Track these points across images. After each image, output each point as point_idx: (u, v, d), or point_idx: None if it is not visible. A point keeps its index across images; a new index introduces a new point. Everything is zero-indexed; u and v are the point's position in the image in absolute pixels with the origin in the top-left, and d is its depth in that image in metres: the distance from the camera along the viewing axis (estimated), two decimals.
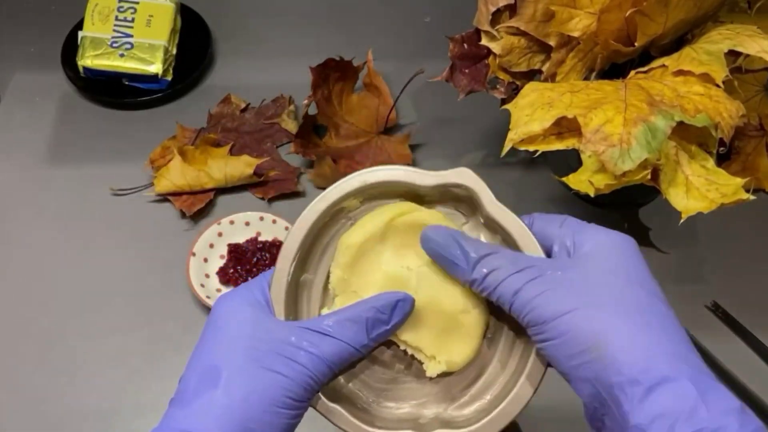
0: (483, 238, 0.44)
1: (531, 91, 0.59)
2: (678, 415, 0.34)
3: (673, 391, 0.34)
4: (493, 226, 0.43)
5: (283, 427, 0.38)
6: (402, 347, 0.43)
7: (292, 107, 0.85)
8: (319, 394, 0.41)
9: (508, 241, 0.42)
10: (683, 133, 0.56)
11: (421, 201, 0.44)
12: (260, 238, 0.73)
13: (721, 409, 0.34)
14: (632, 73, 0.60)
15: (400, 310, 0.41)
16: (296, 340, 0.39)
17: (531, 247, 0.41)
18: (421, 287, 0.42)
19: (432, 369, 0.43)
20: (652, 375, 0.35)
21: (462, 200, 0.44)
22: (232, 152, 0.80)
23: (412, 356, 0.44)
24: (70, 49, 0.87)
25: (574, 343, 0.36)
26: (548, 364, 0.40)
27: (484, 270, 0.39)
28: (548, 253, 0.42)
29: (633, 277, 0.39)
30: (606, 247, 0.40)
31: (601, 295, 0.37)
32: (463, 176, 0.43)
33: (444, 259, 0.40)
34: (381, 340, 0.41)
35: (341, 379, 0.44)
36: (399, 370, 0.45)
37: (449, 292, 0.42)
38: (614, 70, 0.64)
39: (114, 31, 0.86)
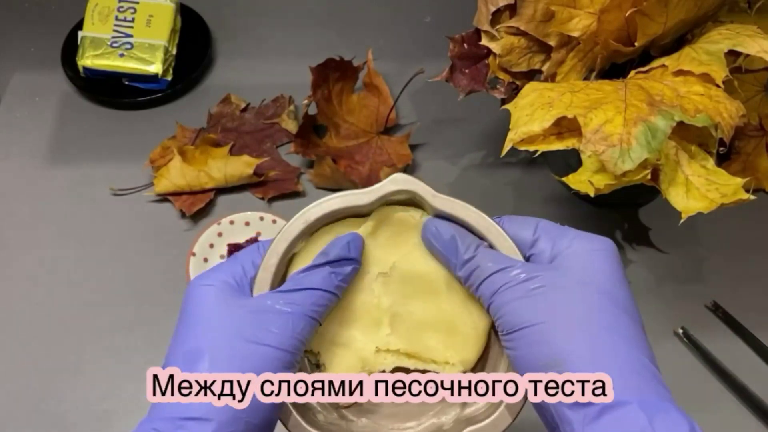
0: None
1: (531, 91, 0.59)
2: None
3: (622, 416, 0.34)
4: (444, 219, 0.44)
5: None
6: (411, 367, 0.44)
7: (292, 107, 0.85)
8: None
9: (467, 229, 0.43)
10: (683, 133, 0.56)
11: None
12: (260, 238, 0.73)
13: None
14: (632, 73, 0.60)
15: (355, 246, 0.42)
16: (272, 303, 0.39)
17: (486, 227, 0.42)
18: (403, 291, 0.43)
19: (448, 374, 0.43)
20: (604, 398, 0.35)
21: (408, 205, 0.44)
22: (232, 152, 0.80)
23: (423, 371, 0.44)
24: (70, 49, 0.87)
25: (535, 357, 0.37)
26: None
27: (471, 266, 0.40)
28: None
29: (606, 291, 0.39)
30: (583, 255, 0.40)
31: (570, 310, 0.38)
32: (398, 181, 0.43)
33: (439, 251, 0.42)
34: (349, 279, 0.42)
35: (352, 418, 0.44)
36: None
37: (437, 291, 0.43)
38: (614, 70, 0.64)
39: (114, 31, 0.86)
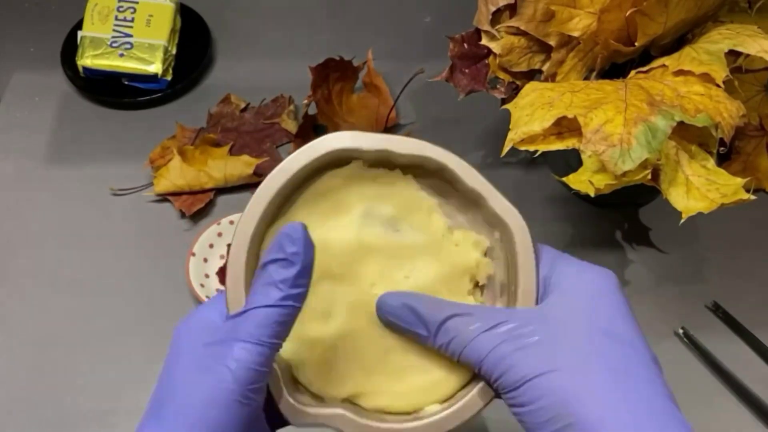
0: (460, 218, 0.42)
1: (531, 90, 0.59)
2: None
3: None
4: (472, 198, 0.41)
5: (246, 415, 0.35)
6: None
7: (292, 107, 0.85)
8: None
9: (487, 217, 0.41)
10: (683, 133, 0.56)
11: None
12: None
13: None
14: (632, 72, 0.60)
15: (300, 242, 0.35)
16: (229, 331, 0.36)
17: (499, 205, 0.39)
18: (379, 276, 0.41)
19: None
20: None
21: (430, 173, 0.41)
22: (231, 152, 0.80)
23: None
24: (70, 48, 0.87)
25: (544, 410, 0.34)
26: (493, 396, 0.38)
27: (448, 335, 0.37)
28: None
29: (611, 331, 0.36)
30: (582, 292, 0.37)
31: (574, 355, 0.35)
32: (423, 148, 0.39)
33: (402, 328, 0.39)
34: (307, 284, 0.36)
35: None
36: None
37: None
38: (614, 69, 0.64)
39: (113, 30, 0.86)
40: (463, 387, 0.40)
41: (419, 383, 0.40)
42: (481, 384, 0.38)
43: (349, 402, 0.40)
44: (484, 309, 0.39)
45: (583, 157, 0.55)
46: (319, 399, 0.40)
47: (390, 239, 0.41)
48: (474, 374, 0.39)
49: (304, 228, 0.35)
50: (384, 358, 0.40)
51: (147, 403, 0.38)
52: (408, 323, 0.38)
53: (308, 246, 0.35)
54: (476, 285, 0.42)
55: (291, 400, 0.38)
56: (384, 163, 0.41)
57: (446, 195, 0.42)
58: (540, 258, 0.39)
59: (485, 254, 0.42)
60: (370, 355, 0.40)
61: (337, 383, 0.40)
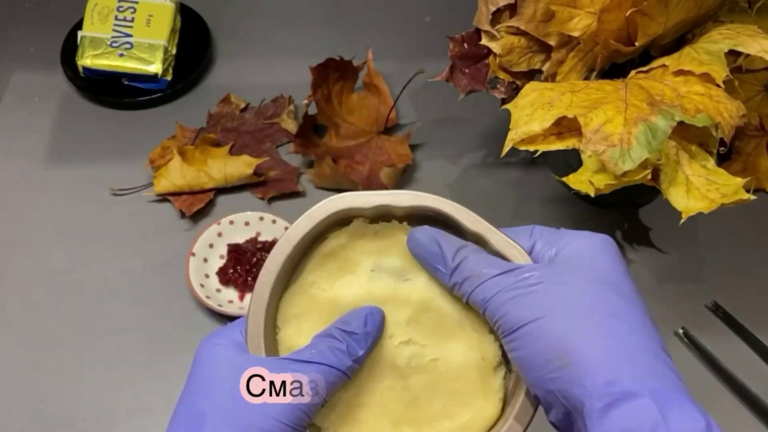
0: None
1: (531, 90, 0.59)
2: None
3: (634, 408, 0.33)
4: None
5: None
6: None
7: (291, 107, 0.85)
8: None
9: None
10: (684, 133, 0.56)
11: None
12: (260, 239, 0.73)
13: (683, 429, 0.33)
14: (633, 72, 0.60)
15: (372, 323, 0.40)
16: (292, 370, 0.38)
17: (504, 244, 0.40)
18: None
19: None
20: (615, 389, 0.33)
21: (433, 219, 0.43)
22: (231, 152, 0.80)
23: None
24: (70, 48, 0.87)
25: (542, 352, 0.36)
26: (537, 406, 0.39)
27: (462, 275, 0.39)
28: None
29: (608, 282, 0.38)
30: (582, 251, 0.39)
31: (572, 301, 0.36)
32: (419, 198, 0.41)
33: (426, 261, 0.41)
34: (363, 360, 0.40)
35: None
36: None
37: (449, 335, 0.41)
38: (614, 69, 0.64)
39: (113, 30, 0.86)
40: (493, 426, 0.40)
41: (450, 428, 0.40)
42: (510, 420, 0.39)
43: None
44: (495, 258, 0.40)
45: (583, 157, 0.55)
46: None
47: (400, 288, 0.41)
48: (501, 410, 0.40)
49: (383, 315, 0.40)
50: (411, 408, 0.41)
51: (171, 424, 0.38)
52: (433, 258, 0.40)
53: (379, 331, 0.40)
54: None
55: None
56: (383, 216, 0.42)
57: None
58: (536, 237, 0.41)
59: None
60: (397, 407, 0.41)
61: None
